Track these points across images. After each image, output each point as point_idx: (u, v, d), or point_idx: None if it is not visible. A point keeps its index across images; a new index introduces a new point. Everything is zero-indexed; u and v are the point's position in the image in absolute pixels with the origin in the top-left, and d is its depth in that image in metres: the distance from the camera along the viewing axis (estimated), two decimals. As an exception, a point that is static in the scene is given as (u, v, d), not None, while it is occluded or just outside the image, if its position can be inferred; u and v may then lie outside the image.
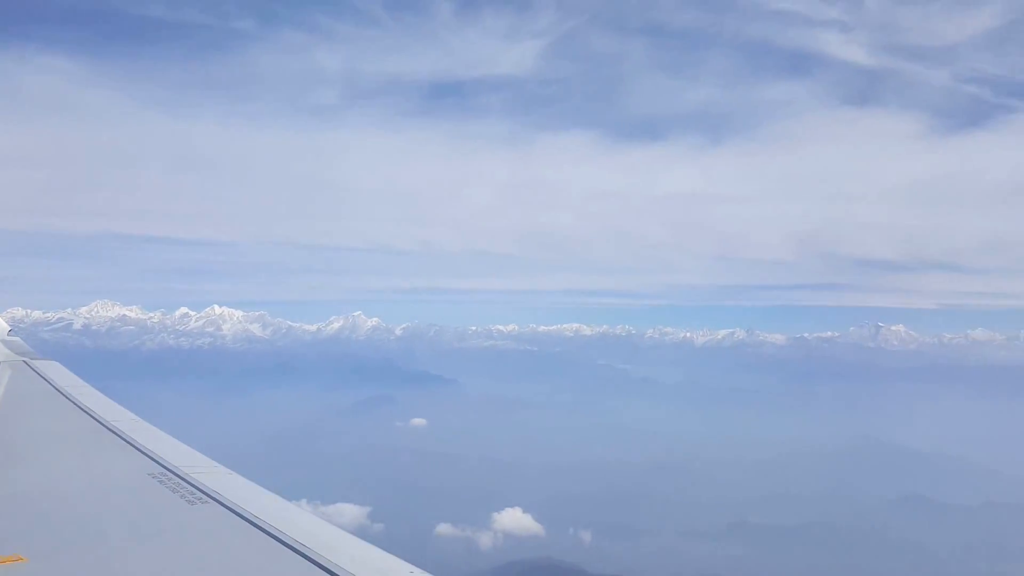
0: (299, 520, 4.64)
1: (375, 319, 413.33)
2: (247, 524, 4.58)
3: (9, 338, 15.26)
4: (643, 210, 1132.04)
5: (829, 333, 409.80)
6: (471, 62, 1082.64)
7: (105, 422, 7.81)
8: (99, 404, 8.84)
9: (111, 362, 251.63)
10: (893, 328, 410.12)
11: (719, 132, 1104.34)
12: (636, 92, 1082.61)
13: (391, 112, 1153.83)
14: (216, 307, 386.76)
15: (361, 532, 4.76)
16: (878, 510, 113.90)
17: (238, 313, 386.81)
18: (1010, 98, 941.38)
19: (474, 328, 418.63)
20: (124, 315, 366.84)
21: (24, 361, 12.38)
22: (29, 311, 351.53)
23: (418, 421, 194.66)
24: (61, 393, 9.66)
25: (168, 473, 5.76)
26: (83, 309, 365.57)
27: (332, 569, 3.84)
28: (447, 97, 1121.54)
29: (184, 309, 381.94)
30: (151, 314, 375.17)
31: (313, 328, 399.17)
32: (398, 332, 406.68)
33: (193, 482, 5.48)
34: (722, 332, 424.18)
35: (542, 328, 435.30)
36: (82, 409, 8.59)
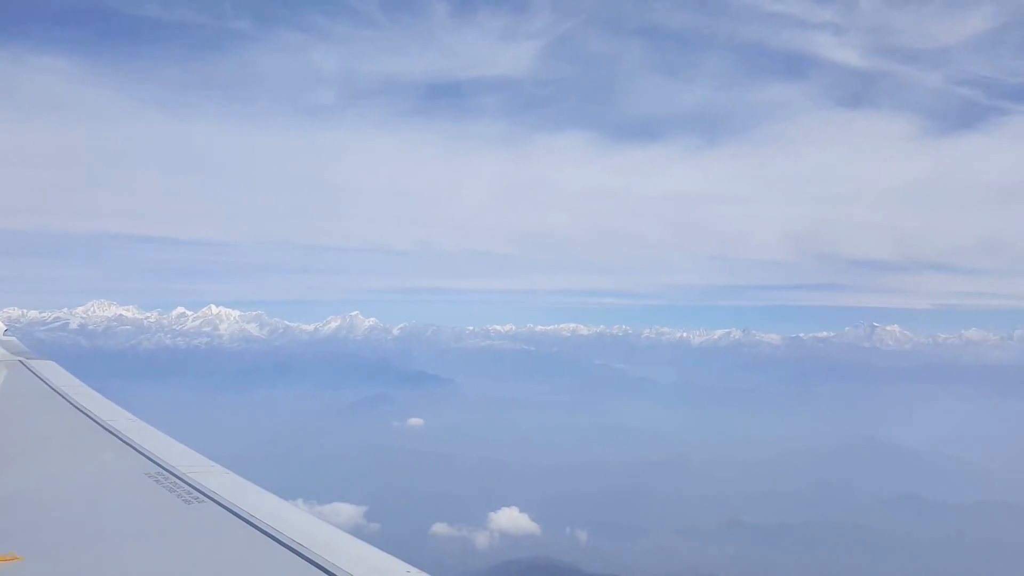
0: (296, 519, 4.65)
1: (372, 319, 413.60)
2: (244, 523, 4.59)
3: (5, 338, 15.22)
4: (640, 210, 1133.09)
5: (825, 333, 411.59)
6: (468, 63, 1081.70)
7: (102, 422, 7.80)
8: (95, 404, 8.83)
9: (107, 362, 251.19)
10: (888, 328, 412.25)
11: (715, 133, 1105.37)
12: (632, 93, 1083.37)
13: (388, 112, 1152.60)
14: (213, 307, 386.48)
15: (357, 532, 4.77)
16: (873, 509, 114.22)
17: (235, 313, 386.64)
18: (1003, 100, 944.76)
19: (471, 328, 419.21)
20: (121, 315, 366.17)
21: (20, 361, 12.35)
22: (25, 311, 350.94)
23: (415, 421, 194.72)
24: (57, 393, 9.63)
25: (165, 473, 5.77)
26: (79, 309, 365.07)
27: (329, 568, 3.84)
28: (444, 97, 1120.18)
29: (181, 309, 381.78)
30: (148, 314, 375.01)
31: (310, 328, 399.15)
32: (395, 332, 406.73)
33: (190, 481, 5.48)
34: (718, 332, 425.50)
35: (539, 328, 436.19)
36: (78, 409, 8.57)
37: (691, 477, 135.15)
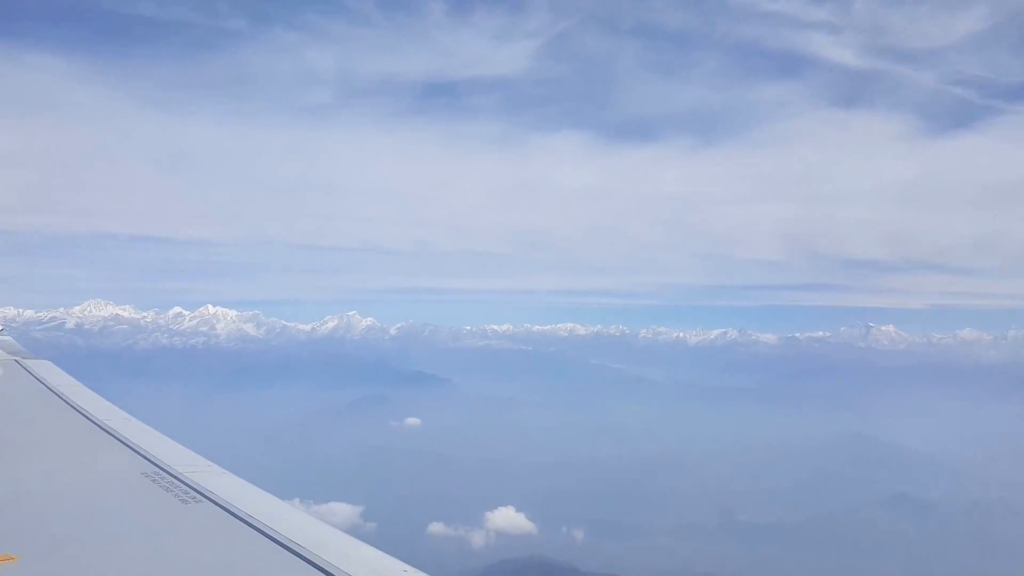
0: (292, 519, 4.65)
1: (370, 319, 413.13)
2: (240, 523, 4.59)
3: (1, 337, 15.19)
4: (636, 210, 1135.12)
5: (820, 333, 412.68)
6: (464, 62, 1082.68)
7: (98, 421, 7.79)
8: (92, 403, 8.81)
9: (104, 361, 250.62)
10: (883, 328, 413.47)
11: (711, 133, 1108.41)
12: (628, 93, 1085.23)
13: (385, 112, 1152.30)
14: (210, 307, 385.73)
15: (353, 531, 4.75)
16: (866, 508, 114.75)
17: (232, 313, 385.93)
18: (996, 100, 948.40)
19: (469, 328, 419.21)
20: (117, 314, 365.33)
21: (16, 360, 12.31)
22: (21, 310, 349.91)
23: (412, 421, 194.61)
24: (53, 392, 9.61)
25: (161, 472, 5.77)
26: (76, 308, 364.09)
27: (326, 568, 3.85)
28: (440, 97, 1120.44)
29: (178, 308, 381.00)
30: (144, 313, 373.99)
31: (307, 328, 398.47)
32: (393, 332, 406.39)
33: (186, 481, 5.48)
34: (715, 332, 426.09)
35: (536, 328, 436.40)
36: (75, 408, 8.56)
37: (687, 476, 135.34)
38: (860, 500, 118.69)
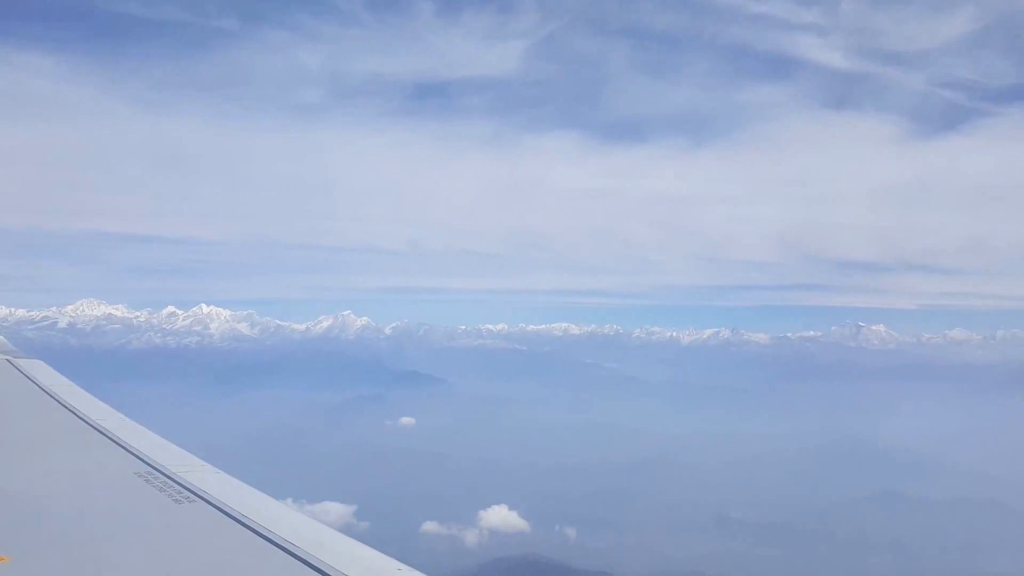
0: (286, 518, 4.66)
1: (364, 318, 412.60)
2: (234, 523, 4.60)
3: (-8, 337, 15.10)
4: (629, 211, 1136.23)
5: (811, 333, 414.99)
6: (454, 62, 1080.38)
7: (91, 421, 7.77)
8: (84, 403, 8.78)
9: (97, 361, 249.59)
10: (874, 328, 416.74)
11: (701, 134, 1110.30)
12: (619, 94, 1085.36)
13: (376, 112, 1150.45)
14: (203, 306, 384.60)
15: (346, 531, 4.76)
16: (857, 506, 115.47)
17: (226, 312, 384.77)
18: (984, 102, 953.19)
19: (463, 327, 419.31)
20: (110, 314, 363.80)
21: (8, 360, 12.24)
22: (13, 310, 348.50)
23: (407, 420, 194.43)
24: (46, 392, 9.57)
25: (155, 472, 5.76)
26: (68, 308, 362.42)
27: (320, 567, 3.86)
28: (431, 97, 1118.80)
29: (171, 308, 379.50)
30: (137, 313, 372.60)
31: (302, 327, 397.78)
32: (387, 331, 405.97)
33: (180, 481, 5.48)
34: (708, 331, 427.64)
35: (531, 327, 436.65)
36: (67, 408, 8.53)
37: (679, 474, 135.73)
38: (851, 497, 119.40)
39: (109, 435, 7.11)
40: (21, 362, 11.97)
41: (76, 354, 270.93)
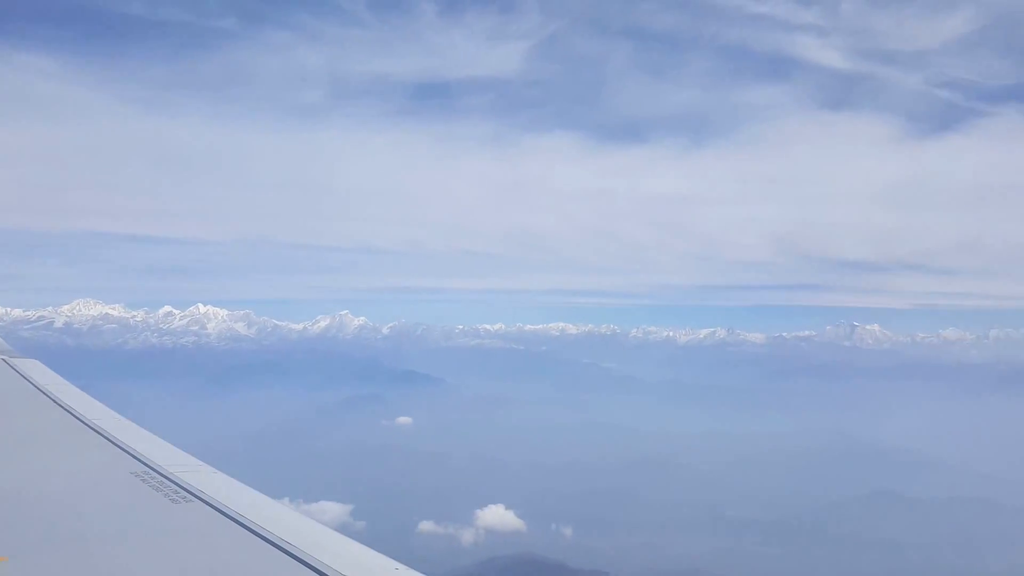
0: (283, 518, 4.67)
1: (362, 318, 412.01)
2: (231, 522, 4.61)
3: (-12, 336, 15.06)
4: (627, 211, 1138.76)
5: (806, 332, 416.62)
6: (456, 63, 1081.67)
7: (87, 421, 7.76)
8: (81, 403, 8.77)
9: (93, 361, 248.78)
10: (868, 327, 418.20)
11: (700, 134, 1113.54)
12: (619, 94, 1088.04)
13: (376, 112, 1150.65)
14: (201, 306, 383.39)
15: (343, 530, 4.77)
16: (851, 504, 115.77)
17: (223, 312, 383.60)
18: (980, 102, 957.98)
19: (461, 327, 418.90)
20: (107, 313, 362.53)
21: (4, 360, 12.22)
22: (9, 309, 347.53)
23: (404, 419, 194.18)
24: (42, 392, 9.55)
25: (151, 472, 5.76)
26: (65, 307, 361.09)
27: (317, 566, 3.87)
28: (432, 97, 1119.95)
29: (168, 307, 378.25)
30: (134, 312, 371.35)
31: (299, 327, 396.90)
32: (385, 331, 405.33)
33: (177, 480, 5.48)
34: (704, 331, 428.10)
35: (528, 327, 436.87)
36: (63, 408, 8.52)
37: (676, 474, 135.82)
38: (845, 496, 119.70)
39: (106, 435, 7.11)
40: (17, 362, 11.94)
41: (72, 354, 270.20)
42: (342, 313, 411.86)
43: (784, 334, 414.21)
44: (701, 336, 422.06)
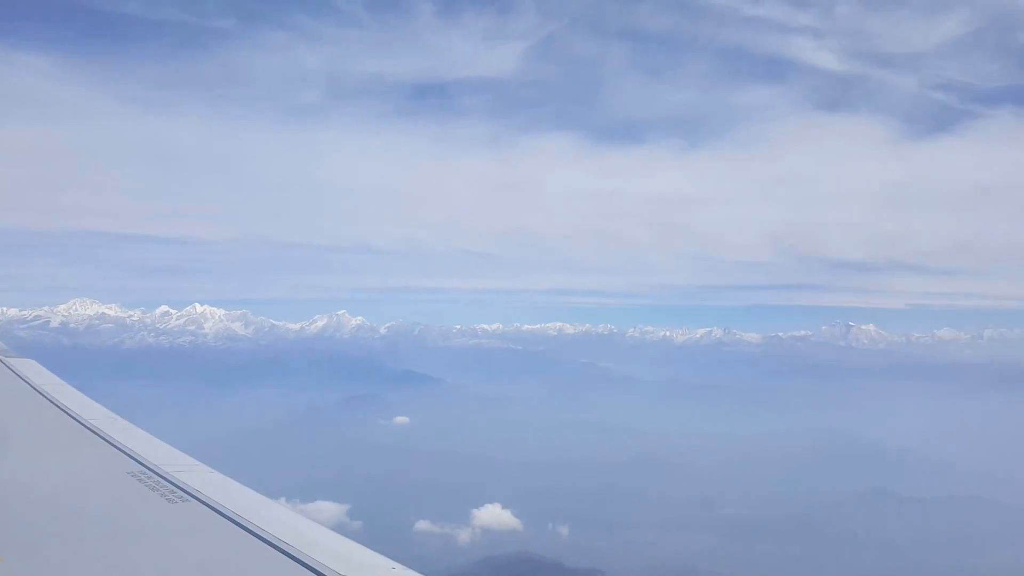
0: (280, 517, 4.68)
1: (359, 318, 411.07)
2: (227, 522, 4.61)
3: (-16, 336, 15.03)
4: (624, 211, 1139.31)
5: (802, 332, 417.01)
6: (453, 63, 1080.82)
7: (83, 420, 7.76)
8: (77, 403, 8.77)
9: (89, 361, 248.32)
10: (863, 327, 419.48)
11: (697, 135, 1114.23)
12: (616, 95, 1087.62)
13: (374, 112, 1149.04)
14: (197, 305, 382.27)
15: (339, 530, 4.77)
16: (846, 503, 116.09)
17: (220, 311, 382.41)
18: (975, 104, 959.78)
19: (458, 327, 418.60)
20: (103, 313, 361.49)
21: None
22: (5, 308, 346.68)
23: (401, 419, 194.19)
24: (38, 392, 9.54)
25: (148, 471, 5.76)
26: (61, 307, 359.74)
27: (314, 566, 3.88)
28: (430, 98, 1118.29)
29: (164, 307, 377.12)
30: (131, 312, 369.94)
31: (297, 327, 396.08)
32: (382, 331, 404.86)
33: (173, 480, 5.49)
34: (700, 331, 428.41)
35: (526, 327, 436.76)
36: (60, 408, 8.51)
37: (672, 472, 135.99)
38: (840, 495, 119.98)
39: (102, 435, 7.11)
40: (13, 361, 11.92)
41: (69, 354, 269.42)
42: (339, 313, 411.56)
43: (780, 334, 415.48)
44: (698, 336, 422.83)
